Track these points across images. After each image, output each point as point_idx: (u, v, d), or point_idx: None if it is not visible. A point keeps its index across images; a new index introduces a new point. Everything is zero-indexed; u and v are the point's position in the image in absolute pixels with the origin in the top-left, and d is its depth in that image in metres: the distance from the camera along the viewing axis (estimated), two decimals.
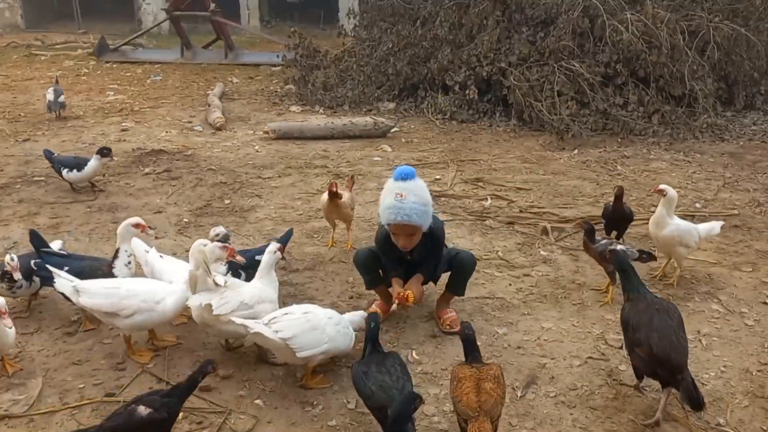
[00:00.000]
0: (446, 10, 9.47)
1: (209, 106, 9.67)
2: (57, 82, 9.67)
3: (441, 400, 3.55)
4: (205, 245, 3.73)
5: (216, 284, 3.70)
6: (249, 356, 3.95)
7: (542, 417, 3.44)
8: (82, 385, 3.69)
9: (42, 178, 7.00)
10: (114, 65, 13.34)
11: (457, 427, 3.34)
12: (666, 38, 8.28)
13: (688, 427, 3.34)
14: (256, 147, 8.18)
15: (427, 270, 4.25)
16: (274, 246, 4.00)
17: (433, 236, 4.18)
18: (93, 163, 6.33)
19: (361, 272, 4.39)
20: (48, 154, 6.65)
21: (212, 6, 12.84)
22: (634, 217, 5.22)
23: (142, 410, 2.97)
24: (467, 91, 9.13)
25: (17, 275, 4.06)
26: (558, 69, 8.49)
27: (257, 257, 4.11)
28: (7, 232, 5.73)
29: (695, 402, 3.14)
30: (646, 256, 4.51)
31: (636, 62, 8.42)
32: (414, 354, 3.97)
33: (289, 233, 4.77)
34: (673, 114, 8.40)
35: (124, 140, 8.40)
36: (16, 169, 7.30)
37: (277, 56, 12.30)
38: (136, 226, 4.22)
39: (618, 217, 5.08)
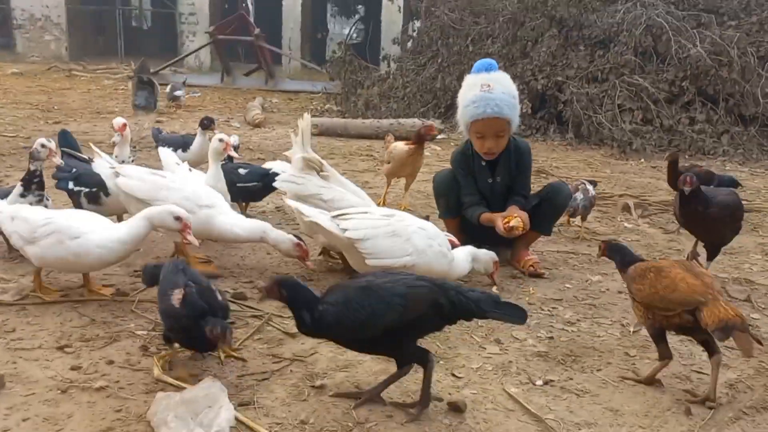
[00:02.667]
0: (501, 24, 9.17)
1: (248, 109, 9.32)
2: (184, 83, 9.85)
3: (533, 327, 2.82)
4: (220, 140, 3.64)
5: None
6: (290, 269, 3.28)
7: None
8: None
9: None
10: None
11: (558, 352, 2.60)
12: (736, 59, 7.80)
13: None
14: None
15: (519, 202, 3.54)
16: None
17: (519, 149, 3.54)
18: (198, 139, 5.12)
19: (439, 196, 3.72)
20: (155, 132, 5.62)
21: (257, 30, 12.79)
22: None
23: None
24: (520, 106, 8.65)
25: (57, 159, 3.40)
26: (619, 84, 8.02)
27: None
28: None
29: None
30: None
31: (705, 79, 7.90)
32: (494, 288, 3.25)
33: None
34: (744, 135, 7.80)
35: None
36: None
37: (320, 86, 12.00)
38: (220, 140, 3.66)
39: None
